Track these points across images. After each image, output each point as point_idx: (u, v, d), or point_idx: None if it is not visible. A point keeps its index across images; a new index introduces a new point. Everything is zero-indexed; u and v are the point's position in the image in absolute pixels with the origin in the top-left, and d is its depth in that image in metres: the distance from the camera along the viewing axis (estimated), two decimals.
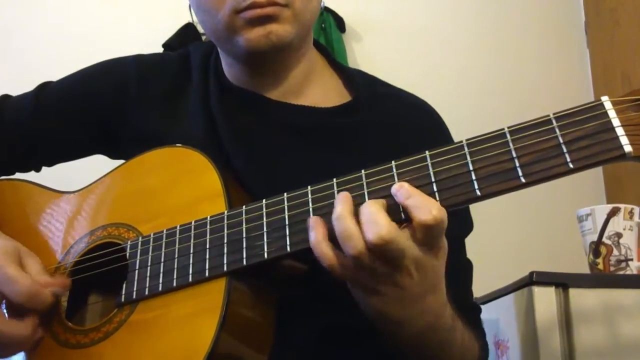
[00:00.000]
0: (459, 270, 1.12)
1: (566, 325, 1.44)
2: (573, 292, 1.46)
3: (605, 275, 1.58)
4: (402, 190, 0.80)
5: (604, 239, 1.60)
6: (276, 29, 1.04)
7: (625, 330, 1.43)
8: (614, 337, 1.43)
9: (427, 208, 0.78)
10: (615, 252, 1.59)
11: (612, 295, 1.47)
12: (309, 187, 0.88)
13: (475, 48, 3.02)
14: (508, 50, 3.03)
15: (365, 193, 0.83)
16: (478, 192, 0.77)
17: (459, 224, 1.13)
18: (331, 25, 2.86)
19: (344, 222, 0.79)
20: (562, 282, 1.47)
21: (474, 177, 0.78)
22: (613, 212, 1.60)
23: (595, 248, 1.61)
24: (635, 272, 1.58)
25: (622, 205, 1.62)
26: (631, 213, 1.61)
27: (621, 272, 1.58)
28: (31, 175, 1.22)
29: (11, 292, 0.94)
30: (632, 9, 2.70)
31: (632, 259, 1.59)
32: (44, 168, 1.28)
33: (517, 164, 0.76)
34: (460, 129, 1.12)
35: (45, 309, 0.97)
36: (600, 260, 1.60)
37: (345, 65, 1.28)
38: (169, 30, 2.75)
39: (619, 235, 1.60)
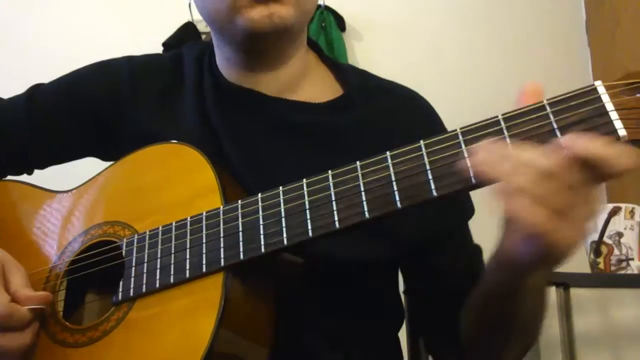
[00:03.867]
0: (471, 257, 1.12)
1: (567, 325, 1.44)
2: (574, 292, 1.46)
3: (606, 274, 1.58)
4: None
5: (605, 239, 1.59)
6: (279, 10, 1.04)
7: (625, 329, 1.43)
8: (614, 336, 1.43)
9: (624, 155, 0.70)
10: (616, 251, 1.59)
11: (613, 294, 1.46)
12: (304, 180, 0.87)
13: (475, 47, 3.02)
14: (508, 49, 3.02)
15: (361, 184, 0.83)
16: (474, 180, 0.77)
17: (460, 210, 1.13)
18: (331, 24, 2.86)
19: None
20: (563, 282, 1.47)
21: (469, 164, 0.77)
22: (614, 212, 1.60)
23: (596, 247, 1.60)
24: (636, 271, 1.58)
25: (622, 205, 1.61)
26: (632, 212, 1.61)
27: (622, 272, 1.58)
28: (22, 177, 1.22)
29: None
30: (632, 8, 2.70)
31: (632, 259, 1.59)
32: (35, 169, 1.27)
33: None
34: (459, 124, 1.11)
35: (24, 326, 0.95)
36: (601, 259, 1.60)
37: (336, 60, 1.28)
38: (169, 29, 2.75)
39: (619, 234, 1.59)
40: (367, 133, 1.11)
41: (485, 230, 1.17)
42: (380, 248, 1.03)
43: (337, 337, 1.03)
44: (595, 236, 1.60)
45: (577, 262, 1.87)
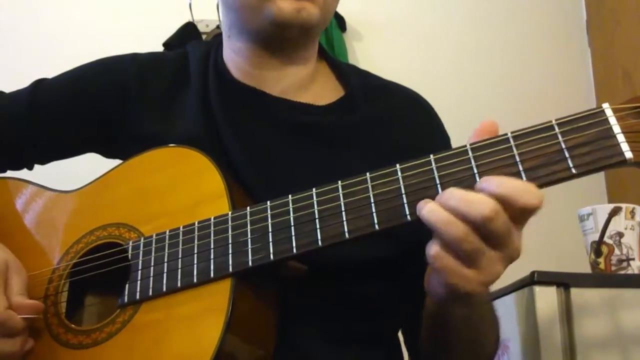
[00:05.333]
0: None
1: (567, 325, 1.44)
2: (574, 292, 1.46)
3: (606, 274, 1.58)
4: (493, 181, 0.76)
5: (606, 239, 1.60)
6: (309, 7, 1.07)
7: (627, 330, 1.43)
8: (615, 337, 1.43)
9: (531, 192, 0.74)
10: (616, 251, 1.59)
11: (614, 294, 1.47)
12: (313, 189, 0.88)
13: (476, 47, 3.02)
14: (509, 49, 3.03)
15: (371, 195, 0.83)
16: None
17: None
18: (332, 24, 2.84)
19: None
20: (564, 282, 1.47)
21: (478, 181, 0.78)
22: (614, 212, 1.61)
23: (597, 247, 1.61)
24: (636, 271, 1.58)
25: (623, 205, 1.62)
26: (632, 212, 1.61)
27: (622, 272, 1.59)
28: (24, 174, 1.22)
29: None
30: (633, 8, 2.70)
31: (633, 259, 1.59)
32: (36, 166, 1.26)
33: (521, 169, 0.76)
34: (460, 124, 1.12)
35: (16, 333, 0.95)
36: (601, 259, 1.60)
37: (337, 60, 1.29)
38: (169, 29, 2.75)
39: (620, 234, 1.60)
40: (369, 131, 1.12)
41: None
42: (377, 247, 1.04)
43: (338, 337, 1.03)
44: (595, 236, 1.61)
45: (578, 262, 1.88)
